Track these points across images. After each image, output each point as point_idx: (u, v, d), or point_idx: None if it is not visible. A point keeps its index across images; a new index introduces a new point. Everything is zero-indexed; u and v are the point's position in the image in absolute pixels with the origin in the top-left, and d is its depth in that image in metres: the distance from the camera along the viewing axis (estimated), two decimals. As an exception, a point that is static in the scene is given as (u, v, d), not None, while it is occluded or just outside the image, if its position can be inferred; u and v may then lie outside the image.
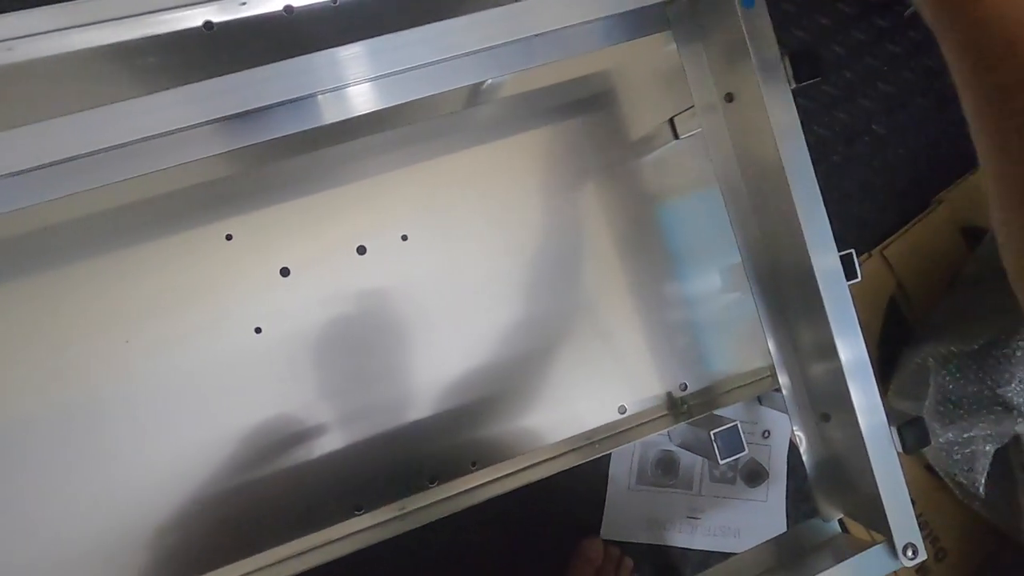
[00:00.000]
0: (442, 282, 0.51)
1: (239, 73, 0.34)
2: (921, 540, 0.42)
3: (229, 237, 0.48)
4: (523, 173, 0.53)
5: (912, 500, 0.65)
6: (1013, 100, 0.28)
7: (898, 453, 0.43)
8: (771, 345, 0.48)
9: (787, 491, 0.58)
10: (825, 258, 0.42)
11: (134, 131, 0.33)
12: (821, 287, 0.42)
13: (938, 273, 0.48)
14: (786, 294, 0.47)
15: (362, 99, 0.39)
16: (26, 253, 0.45)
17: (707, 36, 0.44)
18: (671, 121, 0.55)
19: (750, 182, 0.46)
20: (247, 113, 0.34)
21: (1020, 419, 0.43)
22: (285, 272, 0.48)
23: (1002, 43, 0.27)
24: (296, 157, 0.49)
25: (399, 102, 0.39)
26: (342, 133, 0.50)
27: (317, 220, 0.49)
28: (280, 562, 0.49)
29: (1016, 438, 0.44)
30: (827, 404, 0.47)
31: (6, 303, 0.45)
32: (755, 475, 0.58)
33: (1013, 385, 0.43)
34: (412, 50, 0.36)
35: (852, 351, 0.42)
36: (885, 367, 0.60)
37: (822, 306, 0.42)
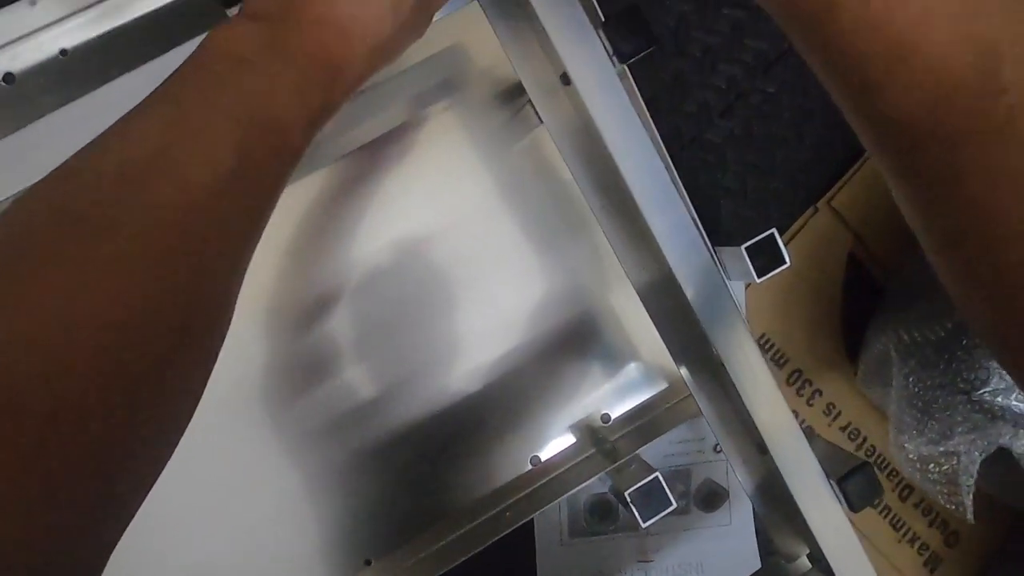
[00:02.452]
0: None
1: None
2: (890, 606, 0.33)
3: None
4: (381, 186, 0.44)
5: (909, 486, 0.55)
6: None
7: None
8: (679, 366, 0.38)
9: (755, 507, 0.50)
10: (689, 269, 0.32)
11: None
12: (693, 303, 0.32)
13: (899, 217, 0.38)
14: (676, 305, 0.37)
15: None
16: None
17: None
18: (531, 103, 0.44)
19: (604, 177, 0.35)
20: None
21: (1004, 424, 0.33)
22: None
23: None
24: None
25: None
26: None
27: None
28: None
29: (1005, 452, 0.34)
30: (760, 434, 0.37)
31: None
32: (713, 497, 0.49)
33: (991, 385, 0.33)
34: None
35: (755, 387, 0.32)
36: (853, 340, 0.50)
37: (704, 332, 0.33)
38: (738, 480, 0.40)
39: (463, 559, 0.43)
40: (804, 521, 0.34)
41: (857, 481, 0.31)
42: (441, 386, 0.44)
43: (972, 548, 0.52)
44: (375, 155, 0.43)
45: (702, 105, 0.48)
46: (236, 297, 0.23)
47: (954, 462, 0.36)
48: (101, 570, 0.20)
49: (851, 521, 0.33)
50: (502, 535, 0.43)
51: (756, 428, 0.33)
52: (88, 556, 0.19)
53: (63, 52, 0.40)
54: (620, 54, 0.29)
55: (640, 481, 0.39)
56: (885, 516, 0.52)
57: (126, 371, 0.19)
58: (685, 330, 0.36)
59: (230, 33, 0.23)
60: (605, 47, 0.29)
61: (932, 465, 0.37)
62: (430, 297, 0.44)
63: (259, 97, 0.22)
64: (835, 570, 0.33)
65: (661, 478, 0.39)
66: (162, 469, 0.21)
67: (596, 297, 0.46)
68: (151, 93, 0.22)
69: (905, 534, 0.52)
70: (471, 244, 0.45)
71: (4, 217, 0.20)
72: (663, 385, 0.47)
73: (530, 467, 0.45)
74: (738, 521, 0.49)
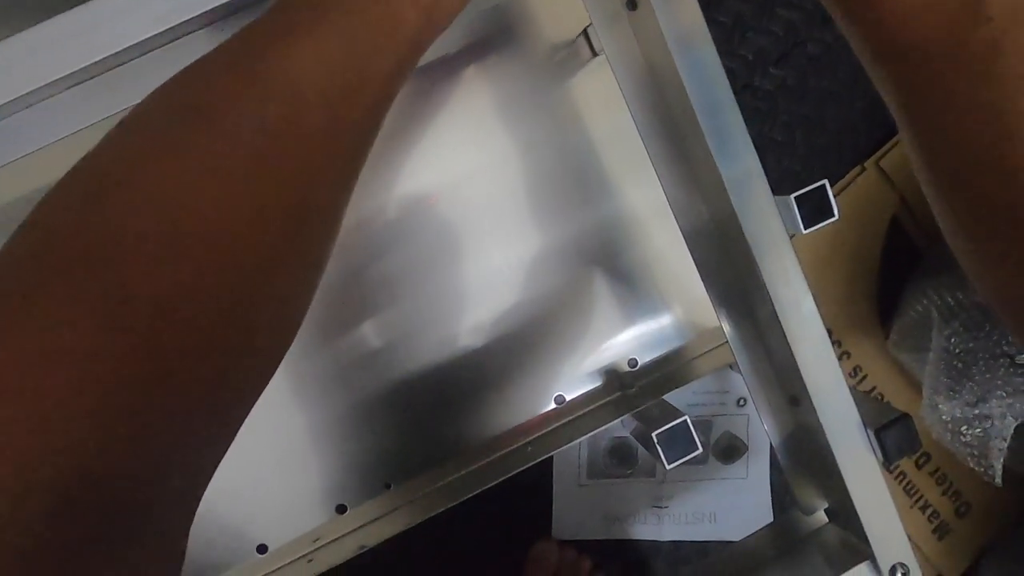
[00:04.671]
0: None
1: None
2: (913, 559, 0.33)
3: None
4: (423, 124, 0.43)
5: (927, 453, 0.56)
6: None
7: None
8: (718, 312, 0.38)
9: (771, 463, 0.50)
10: (753, 209, 0.31)
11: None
12: (752, 246, 0.32)
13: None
14: (727, 249, 0.36)
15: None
16: None
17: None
18: (585, 34, 0.43)
19: (663, 113, 0.34)
20: None
21: (1047, 390, 0.33)
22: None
23: None
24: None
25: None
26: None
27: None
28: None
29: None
30: (795, 386, 0.37)
31: None
32: (731, 450, 0.49)
33: (1037, 349, 0.33)
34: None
35: (802, 329, 0.32)
36: (888, 304, 0.49)
37: (758, 272, 0.32)
38: (765, 431, 0.40)
39: (482, 490, 0.44)
40: (834, 471, 0.34)
41: (896, 432, 0.31)
42: (471, 321, 0.44)
43: (981, 520, 0.53)
44: (412, 88, 0.42)
45: (758, 51, 0.46)
46: (344, 209, 0.22)
47: (988, 425, 0.36)
48: (213, 468, 0.20)
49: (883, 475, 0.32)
50: (522, 469, 0.44)
51: (797, 372, 0.32)
52: (201, 449, 0.19)
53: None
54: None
55: (668, 424, 0.39)
56: (900, 482, 0.52)
57: (234, 262, 0.18)
58: (734, 274, 0.35)
59: None
60: (684, -36, 0.28)
61: (965, 427, 0.37)
62: (461, 235, 0.44)
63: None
64: (863, 521, 0.33)
65: (689, 421, 0.39)
66: (272, 372, 0.21)
67: (630, 241, 0.45)
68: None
69: (917, 500, 0.52)
70: (505, 184, 0.44)
71: (132, 111, 0.20)
72: (693, 334, 0.47)
73: (554, 405, 0.45)
74: (754, 475, 0.49)
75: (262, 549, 0.43)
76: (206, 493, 0.19)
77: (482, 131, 0.43)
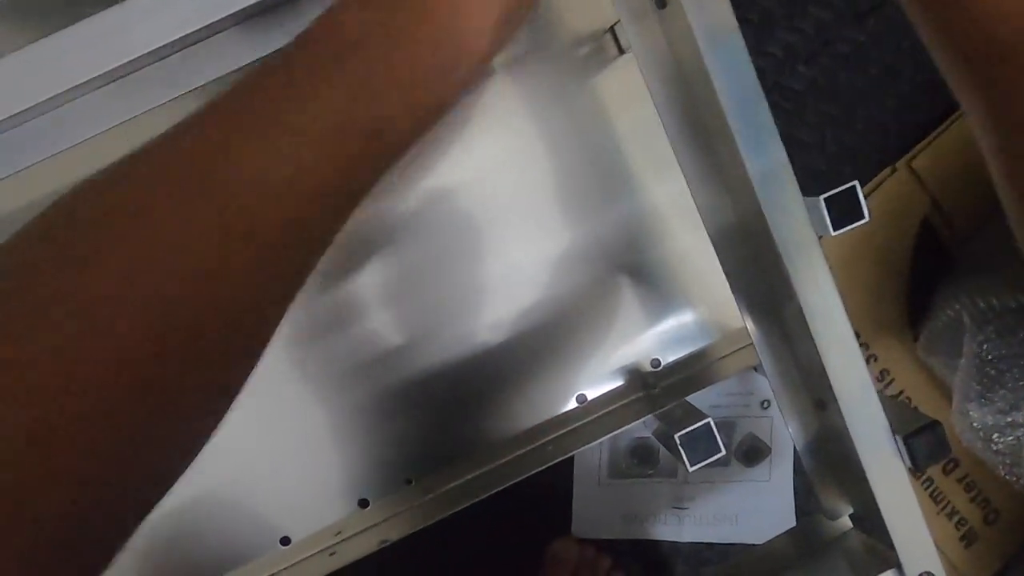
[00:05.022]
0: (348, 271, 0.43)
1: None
2: (940, 567, 0.33)
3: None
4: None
5: (955, 459, 0.55)
6: None
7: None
8: (743, 314, 0.38)
9: (795, 466, 0.49)
10: (781, 209, 0.31)
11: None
12: (779, 247, 0.31)
13: (982, 185, 0.36)
14: (753, 249, 0.36)
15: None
16: None
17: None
18: (612, 31, 0.42)
19: (691, 111, 0.34)
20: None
21: (1083, 399, 0.32)
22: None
23: None
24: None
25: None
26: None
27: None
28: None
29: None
30: (821, 389, 0.37)
31: None
32: (754, 453, 0.49)
33: (1073, 357, 0.32)
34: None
35: (830, 332, 0.32)
36: (917, 307, 0.48)
37: (786, 273, 0.32)
38: (789, 434, 0.40)
39: (502, 487, 0.44)
40: (860, 477, 0.33)
41: (925, 439, 0.30)
42: (493, 317, 0.44)
43: (1011, 528, 0.52)
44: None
45: (787, 49, 0.46)
46: (276, 324, 0.21)
47: (1021, 433, 0.35)
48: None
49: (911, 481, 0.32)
50: (542, 468, 0.44)
51: (824, 375, 0.32)
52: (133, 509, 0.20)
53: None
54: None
55: (691, 425, 0.39)
56: (926, 487, 0.51)
57: (178, 345, 0.19)
58: (761, 275, 0.35)
59: (339, 18, 0.21)
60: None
61: (997, 435, 0.36)
62: (483, 230, 0.44)
63: (360, 90, 0.20)
64: (889, 527, 0.33)
65: (713, 424, 0.39)
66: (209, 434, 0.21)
67: (654, 239, 0.45)
68: (254, 71, 0.21)
69: (944, 507, 0.51)
70: (528, 180, 0.44)
71: (56, 204, 0.19)
72: (717, 335, 0.46)
73: (576, 404, 0.45)
74: (777, 478, 0.49)
75: (285, 541, 0.44)
76: (232, 485, 0.20)
77: (505, 127, 0.43)
